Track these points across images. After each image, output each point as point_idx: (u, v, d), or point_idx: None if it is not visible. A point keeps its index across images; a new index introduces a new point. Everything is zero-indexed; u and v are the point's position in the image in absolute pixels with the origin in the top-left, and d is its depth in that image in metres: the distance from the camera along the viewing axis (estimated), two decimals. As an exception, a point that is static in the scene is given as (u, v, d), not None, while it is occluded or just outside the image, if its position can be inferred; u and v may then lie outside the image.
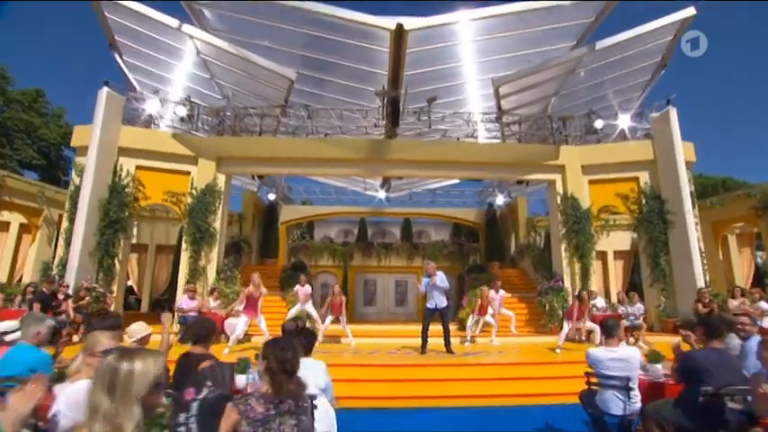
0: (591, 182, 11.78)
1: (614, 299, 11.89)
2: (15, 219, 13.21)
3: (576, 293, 9.25)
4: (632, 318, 9.02)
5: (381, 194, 19.47)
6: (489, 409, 5.40)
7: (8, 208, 12.56)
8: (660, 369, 3.80)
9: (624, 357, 3.34)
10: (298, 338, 3.42)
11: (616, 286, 14.70)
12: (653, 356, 3.91)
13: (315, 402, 3.00)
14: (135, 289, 15.65)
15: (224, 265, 11.43)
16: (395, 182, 20.34)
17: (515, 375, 6.48)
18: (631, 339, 8.86)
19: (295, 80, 10.63)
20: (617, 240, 15.57)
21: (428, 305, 7.79)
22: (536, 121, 12.63)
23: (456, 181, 21.32)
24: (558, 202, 11.70)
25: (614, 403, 3.28)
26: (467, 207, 20.70)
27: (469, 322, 9.71)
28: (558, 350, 8.07)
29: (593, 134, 12.01)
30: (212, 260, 10.96)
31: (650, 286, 10.86)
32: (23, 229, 13.29)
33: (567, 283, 11.16)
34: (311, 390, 3.10)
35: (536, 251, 15.28)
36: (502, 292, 11.01)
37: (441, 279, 7.72)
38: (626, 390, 3.24)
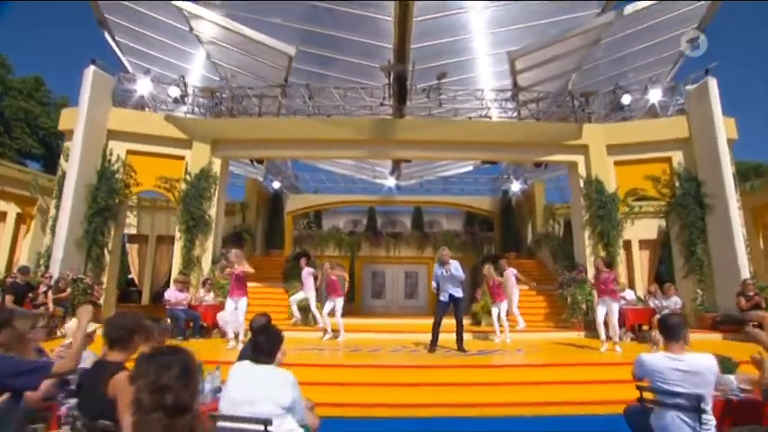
0: (617, 163, 10.75)
1: (640, 291, 10.91)
2: (12, 209, 12.78)
3: (594, 261, 8.01)
4: (668, 313, 8.04)
5: (391, 182, 18.64)
6: (505, 420, 4.57)
7: (1, 197, 12.10)
8: (734, 381, 2.90)
9: (695, 369, 2.45)
10: (261, 337, 2.65)
11: (642, 279, 13.64)
12: (724, 364, 2.98)
13: (271, 429, 2.24)
14: (136, 281, 15.16)
15: (221, 256, 10.76)
16: (405, 169, 19.49)
17: (538, 379, 5.63)
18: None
19: (295, 56, 9.83)
20: (642, 229, 14.44)
21: (441, 298, 7.00)
22: (555, 99, 11.60)
23: (469, 168, 20.46)
24: (581, 185, 10.72)
25: (678, 429, 2.43)
26: (480, 195, 19.77)
27: (494, 313, 8.65)
28: (604, 348, 7.05)
29: (620, 111, 10.95)
30: (207, 250, 10.32)
31: (684, 278, 9.83)
32: (20, 219, 12.85)
33: (590, 275, 10.20)
34: (270, 408, 2.34)
35: (555, 240, 14.31)
36: (513, 270, 9.96)
37: (456, 268, 6.92)
38: (696, 412, 2.38)
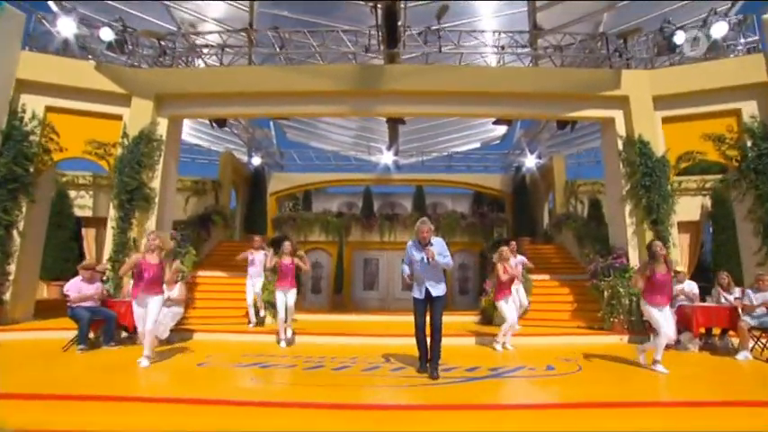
0: (666, 120, 8.46)
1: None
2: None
3: (647, 246, 5.90)
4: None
5: (388, 158, 16.47)
6: None
7: None
8: None
9: None
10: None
11: (683, 266, 11.37)
12: None
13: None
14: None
15: (171, 239, 8.70)
16: (404, 145, 17.31)
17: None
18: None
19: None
20: (682, 209, 12.03)
21: (416, 294, 4.80)
22: (585, 44, 9.27)
23: (476, 145, 18.27)
24: (619, 147, 8.46)
25: None
26: (490, 173, 17.53)
27: (506, 310, 6.41)
28: (657, 366, 4.91)
29: (669, 54, 8.61)
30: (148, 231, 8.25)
31: (760, 265, 7.51)
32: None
33: (634, 261, 8.01)
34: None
35: (579, 222, 12.05)
36: (521, 258, 8.23)
37: (440, 246, 4.75)
38: None
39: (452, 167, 18.00)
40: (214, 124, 10.17)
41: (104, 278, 7.25)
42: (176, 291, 6.67)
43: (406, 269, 4.85)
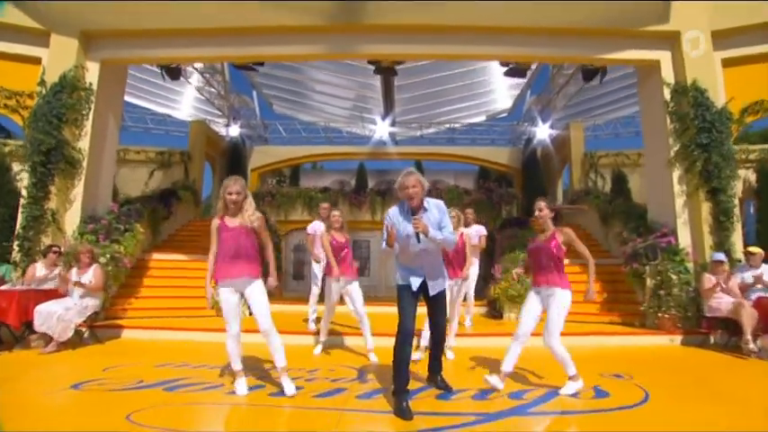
0: (728, 62, 6.72)
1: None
2: None
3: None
4: None
5: (384, 129, 14.72)
6: None
7: None
8: None
9: None
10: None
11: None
12: None
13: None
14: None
15: (109, 214, 7.05)
16: (402, 116, 15.53)
17: None
18: None
19: None
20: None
21: (401, 280, 3.15)
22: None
23: (481, 118, 16.47)
24: (666, 97, 6.69)
25: None
26: (496, 146, 15.78)
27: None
28: None
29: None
30: (74, 202, 6.61)
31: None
32: None
33: (684, 240, 6.32)
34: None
35: (602, 198, 10.33)
36: (478, 228, 6.30)
37: (439, 213, 3.11)
38: None
39: (455, 141, 16.23)
40: (166, 76, 8.39)
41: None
42: (89, 275, 5.04)
43: (383, 246, 3.16)
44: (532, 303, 3.45)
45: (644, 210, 7.68)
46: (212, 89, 13.06)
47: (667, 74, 6.74)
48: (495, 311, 7.29)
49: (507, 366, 3.35)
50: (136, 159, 12.36)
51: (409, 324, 3.05)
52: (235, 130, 13.73)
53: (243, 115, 14.63)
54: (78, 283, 4.91)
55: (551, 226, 3.50)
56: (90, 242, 6.14)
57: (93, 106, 6.82)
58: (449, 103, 14.93)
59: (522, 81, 14.00)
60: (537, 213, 3.55)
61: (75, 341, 4.90)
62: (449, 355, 4.55)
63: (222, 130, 14.56)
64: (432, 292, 3.15)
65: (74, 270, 5.09)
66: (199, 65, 11.79)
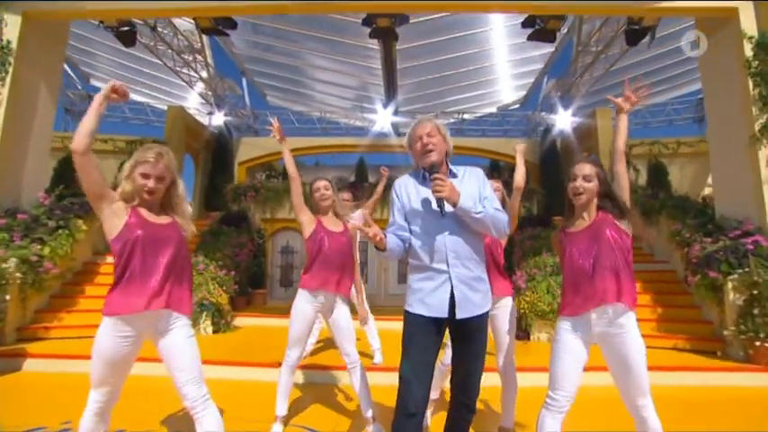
0: (827, 8, 5.14)
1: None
2: None
3: None
4: None
5: (386, 119, 13.32)
6: None
7: None
8: None
9: None
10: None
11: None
12: None
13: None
14: None
15: (36, 208, 5.62)
16: (405, 105, 14.09)
17: None
18: None
19: None
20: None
21: (413, 305, 1.72)
22: None
23: (491, 110, 15.04)
24: (749, 54, 5.14)
25: None
26: (510, 138, 14.30)
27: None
28: None
29: None
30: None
31: None
32: None
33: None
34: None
35: (640, 192, 8.80)
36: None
37: (476, 177, 1.82)
38: None
39: (464, 132, 14.77)
40: (116, 32, 6.87)
41: None
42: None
43: (392, 241, 1.77)
44: (572, 344, 1.87)
45: (700, 204, 6.14)
46: (193, 74, 11.64)
47: (748, 25, 5.19)
48: (520, 331, 5.75)
49: None
50: (103, 149, 10.98)
51: (417, 391, 1.58)
52: (219, 119, 12.29)
53: (229, 103, 13.22)
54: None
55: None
56: (-2, 242, 4.71)
57: (10, 70, 5.39)
58: (457, 91, 13.59)
59: (536, 67, 12.67)
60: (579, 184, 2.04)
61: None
62: None
63: (205, 120, 13.17)
64: (460, 315, 1.66)
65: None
66: (176, 42, 10.41)
